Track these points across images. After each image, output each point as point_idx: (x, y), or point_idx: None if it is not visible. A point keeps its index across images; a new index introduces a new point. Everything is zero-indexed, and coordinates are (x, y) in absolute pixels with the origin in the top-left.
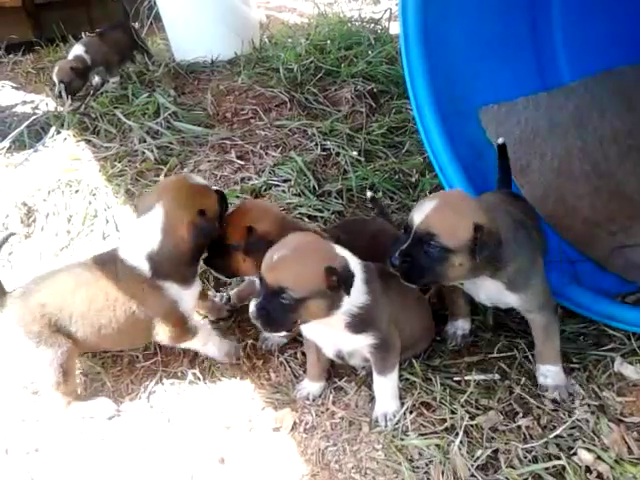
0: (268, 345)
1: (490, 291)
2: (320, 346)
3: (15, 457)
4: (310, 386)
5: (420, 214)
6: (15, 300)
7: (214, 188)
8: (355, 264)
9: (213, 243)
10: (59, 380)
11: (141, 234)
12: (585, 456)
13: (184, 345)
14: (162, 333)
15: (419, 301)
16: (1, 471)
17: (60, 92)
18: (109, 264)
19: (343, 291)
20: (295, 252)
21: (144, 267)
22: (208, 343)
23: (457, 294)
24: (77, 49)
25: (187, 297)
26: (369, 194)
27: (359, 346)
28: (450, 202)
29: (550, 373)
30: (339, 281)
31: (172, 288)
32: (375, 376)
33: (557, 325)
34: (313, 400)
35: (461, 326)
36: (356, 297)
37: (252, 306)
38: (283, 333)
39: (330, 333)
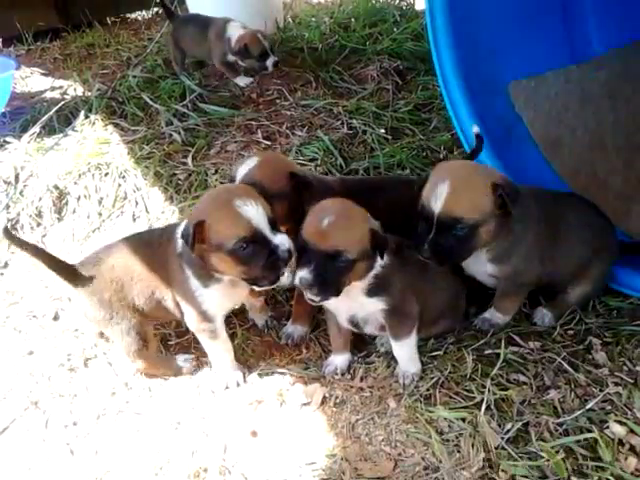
0: (294, 338)
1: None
2: (335, 313)
3: (54, 431)
4: (336, 359)
5: (437, 200)
6: (88, 268)
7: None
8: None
9: None
10: (138, 347)
11: None
12: (617, 429)
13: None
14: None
15: (443, 279)
16: (41, 444)
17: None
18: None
19: (378, 254)
20: (343, 216)
21: None
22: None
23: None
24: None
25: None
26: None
27: (372, 311)
28: (461, 177)
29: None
30: (378, 243)
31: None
32: (391, 341)
33: None
34: (342, 374)
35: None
36: (379, 262)
37: (304, 274)
38: (332, 299)
39: (346, 298)
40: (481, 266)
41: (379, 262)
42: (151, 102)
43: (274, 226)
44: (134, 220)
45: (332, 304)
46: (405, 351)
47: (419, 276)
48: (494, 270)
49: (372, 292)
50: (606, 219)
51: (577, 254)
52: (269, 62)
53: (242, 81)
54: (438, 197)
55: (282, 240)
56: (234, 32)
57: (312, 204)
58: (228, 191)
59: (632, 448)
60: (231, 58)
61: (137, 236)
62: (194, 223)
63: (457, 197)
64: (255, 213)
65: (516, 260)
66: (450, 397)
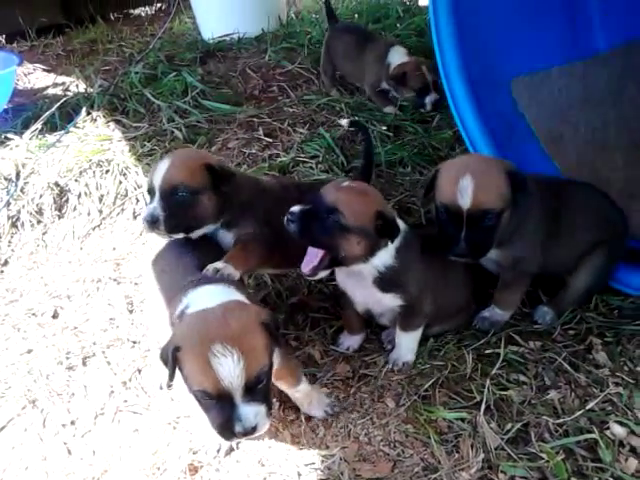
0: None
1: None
2: (352, 301)
3: (52, 430)
4: (349, 339)
5: (464, 196)
6: None
7: None
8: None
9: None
10: None
11: None
12: (618, 430)
13: None
14: None
15: (463, 275)
16: (39, 443)
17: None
18: None
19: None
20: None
21: None
22: None
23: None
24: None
25: None
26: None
27: (389, 306)
28: (479, 170)
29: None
30: (383, 226)
31: None
32: (397, 330)
33: None
34: (353, 351)
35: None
36: (385, 258)
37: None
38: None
39: (362, 289)
40: None
41: (388, 254)
42: (153, 99)
43: (253, 389)
44: (135, 218)
45: (350, 291)
46: (408, 341)
47: (442, 274)
48: (497, 255)
49: (384, 287)
50: (616, 212)
51: (578, 242)
52: (428, 100)
53: (393, 110)
54: (464, 193)
55: (249, 414)
56: (396, 58)
57: (240, 198)
58: (212, 327)
59: (633, 449)
60: (385, 86)
61: None
62: (172, 348)
63: (482, 189)
64: (229, 372)
65: (518, 245)
66: (450, 397)
